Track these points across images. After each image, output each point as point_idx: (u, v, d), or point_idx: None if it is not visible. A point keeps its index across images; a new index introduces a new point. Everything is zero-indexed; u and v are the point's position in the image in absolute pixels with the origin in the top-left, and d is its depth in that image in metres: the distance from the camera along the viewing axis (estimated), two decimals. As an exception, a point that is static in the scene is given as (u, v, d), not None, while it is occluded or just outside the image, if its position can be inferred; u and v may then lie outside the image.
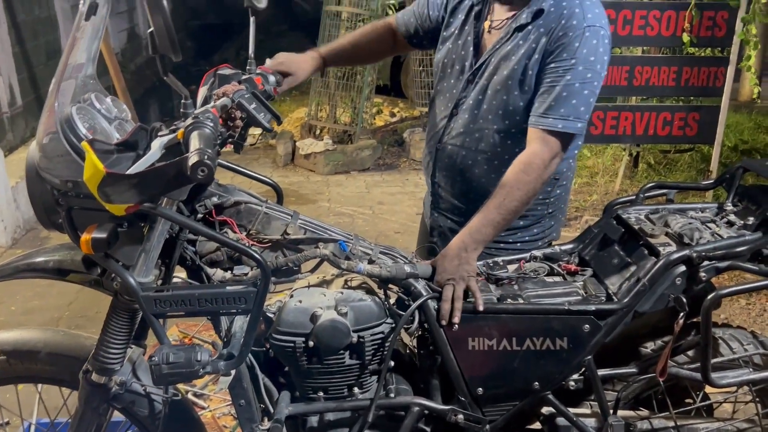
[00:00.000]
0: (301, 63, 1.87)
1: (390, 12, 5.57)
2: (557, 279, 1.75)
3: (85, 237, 1.29)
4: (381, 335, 1.58)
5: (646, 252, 1.67)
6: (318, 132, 5.70)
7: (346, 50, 2.02)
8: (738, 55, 4.03)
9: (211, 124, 1.21)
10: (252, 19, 1.75)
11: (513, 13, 1.76)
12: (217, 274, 1.54)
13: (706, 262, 1.57)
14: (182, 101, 1.29)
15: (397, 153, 5.83)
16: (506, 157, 1.77)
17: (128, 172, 1.17)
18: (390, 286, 1.63)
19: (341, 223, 4.33)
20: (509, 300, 1.63)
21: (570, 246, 1.88)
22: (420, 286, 1.59)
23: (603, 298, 1.65)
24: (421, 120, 6.06)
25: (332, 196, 4.94)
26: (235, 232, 1.55)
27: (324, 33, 5.50)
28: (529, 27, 1.71)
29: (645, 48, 4.31)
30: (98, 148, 1.21)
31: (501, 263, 1.79)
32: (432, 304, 1.58)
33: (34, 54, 6.77)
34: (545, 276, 1.76)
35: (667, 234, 1.71)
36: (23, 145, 5.38)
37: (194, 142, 1.13)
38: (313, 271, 1.67)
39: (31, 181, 1.41)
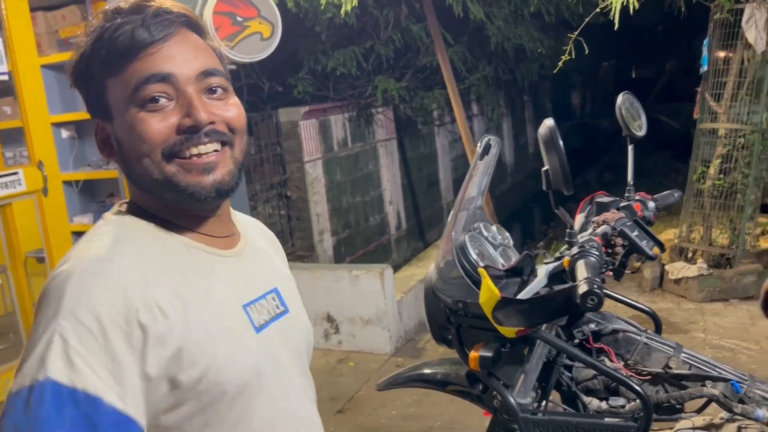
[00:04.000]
0: None
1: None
2: None
3: (472, 354, 1.40)
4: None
5: None
6: (690, 255, 5.29)
7: None
8: None
9: (596, 253, 1.23)
10: (630, 147, 1.76)
11: None
12: (593, 403, 1.51)
13: None
14: (568, 231, 1.34)
15: (788, 280, 5.06)
16: None
17: (519, 297, 1.25)
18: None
19: (720, 358, 3.84)
20: None
21: None
22: (842, 446, 1.33)
23: None
24: None
25: (708, 327, 4.46)
26: (612, 361, 1.51)
27: (697, 151, 5.20)
28: None
29: None
30: (491, 273, 1.33)
31: None
32: None
33: (417, 185, 7.79)
34: None
35: None
36: (406, 264, 6.10)
37: (581, 271, 1.16)
38: (699, 411, 1.52)
39: (428, 299, 1.60)
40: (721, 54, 4.97)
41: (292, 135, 5.91)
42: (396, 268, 5.75)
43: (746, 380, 1.48)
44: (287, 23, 3.97)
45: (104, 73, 0.87)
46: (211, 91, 0.90)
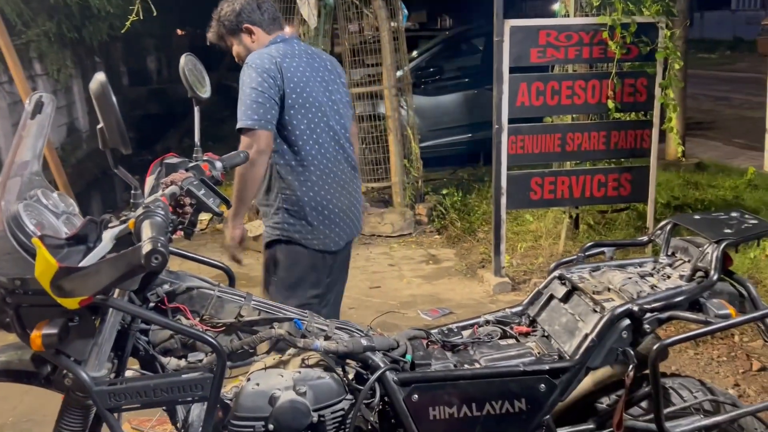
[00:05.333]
0: None
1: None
2: (510, 342, 1.79)
3: (35, 334, 1.28)
4: (342, 412, 1.58)
5: (591, 309, 1.74)
6: (266, 214, 5.73)
7: None
8: (660, 117, 4.29)
9: (162, 213, 1.23)
10: (196, 109, 1.80)
11: None
12: (172, 362, 1.53)
13: (648, 314, 1.64)
14: (132, 191, 1.31)
15: (345, 229, 5.89)
16: None
17: (81, 264, 1.17)
18: (348, 361, 1.63)
19: (294, 304, 4.29)
20: (466, 366, 1.66)
21: (520, 308, 1.94)
22: (377, 358, 1.61)
23: (555, 356, 1.69)
24: (369, 195, 6.16)
25: (284, 277, 4.92)
26: (188, 319, 1.55)
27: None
28: None
29: (574, 116, 4.55)
30: (49, 243, 1.22)
31: (455, 329, 1.83)
32: (391, 376, 1.59)
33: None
34: (499, 339, 1.80)
35: (609, 290, 1.78)
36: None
37: (146, 231, 1.15)
38: (269, 352, 1.67)
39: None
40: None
41: None
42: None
43: (306, 317, 1.68)
44: None
45: None
46: None
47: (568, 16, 4.49)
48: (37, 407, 2.94)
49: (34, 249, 1.26)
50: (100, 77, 1.12)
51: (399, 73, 5.72)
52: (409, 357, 1.64)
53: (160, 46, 14.74)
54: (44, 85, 8.18)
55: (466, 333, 1.83)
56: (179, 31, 15.92)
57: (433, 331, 1.80)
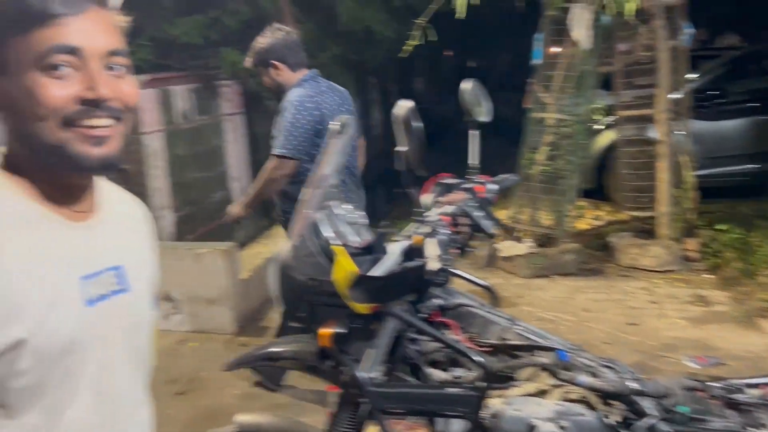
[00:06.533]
0: None
1: (598, 117, 5.53)
2: (811, 409, 1.55)
3: (323, 331, 1.42)
4: (603, 455, 1.49)
5: None
6: (519, 235, 5.69)
7: None
8: None
9: (446, 232, 1.29)
10: (475, 132, 1.85)
11: None
12: (436, 374, 1.58)
13: None
14: (417, 210, 1.39)
15: (601, 258, 5.61)
16: None
17: (374, 274, 1.27)
18: (612, 402, 1.55)
19: (543, 329, 4.21)
20: (752, 429, 1.47)
21: (823, 372, 1.67)
22: (648, 405, 1.50)
23: None
24: (630, 224, 5.82)
25: (533, 300, 4.85)
26: (455, 335, 1.59)
27: (529, 139, 5.59)
28: None
29: None
30: (346, 251, 1.34)
31: (739, 386, 1.63)
32: (665, 427, 1.47)
33: (264, 161, 7.62)
34: (795, 405, 1.56)
35: None
36: (252, 242, 5.99)
37: (432, 249, 1.21)
38: (529, 379, 1.65)
39: (280, 278, 1.58)
40: (552, 49, 5.36)
41: (130, 105, 5.55)
42: (242, 245, 5.63)
43: (571, 349, 1.63)
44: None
45: (6, 29, 0.88)
46: (112, 67, 0.93)
47: None
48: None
49: (330, 254, 1.40)
50: (407, 104, 1.20)
51: (675, 96, 5.32)
52: (686, 409, 1.50)
53: (429, 68, 15.51)
54: (327, 102, 9.09)
55: (753, 392, 1.62)
56: (446, 53, 16.61)
57: (712, 384, 1.62)
